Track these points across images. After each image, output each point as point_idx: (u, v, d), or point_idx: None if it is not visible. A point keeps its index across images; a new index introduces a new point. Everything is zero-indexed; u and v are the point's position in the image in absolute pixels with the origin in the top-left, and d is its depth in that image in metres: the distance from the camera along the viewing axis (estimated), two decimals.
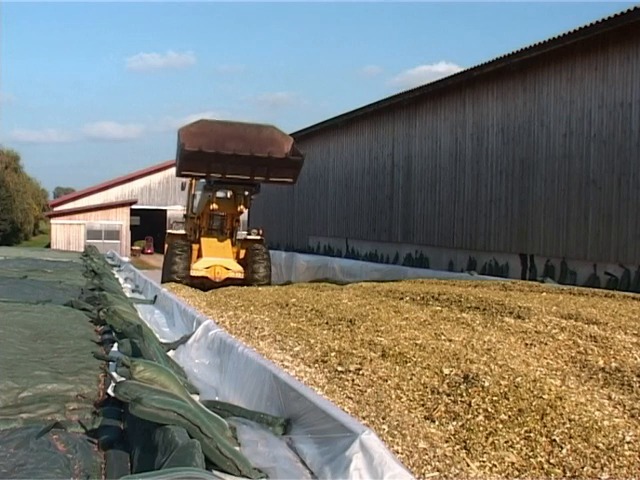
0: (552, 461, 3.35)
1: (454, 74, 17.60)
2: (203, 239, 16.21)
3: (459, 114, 17.36)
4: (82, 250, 24.28)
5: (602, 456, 3.35)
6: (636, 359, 5.16)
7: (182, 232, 16.92)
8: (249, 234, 17.06)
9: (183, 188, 19.51)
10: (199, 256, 15.90)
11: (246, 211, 15.75)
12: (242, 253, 16.25)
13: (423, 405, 4.13)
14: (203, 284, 15.07)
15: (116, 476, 2.52)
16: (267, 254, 16.06)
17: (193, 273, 15.19)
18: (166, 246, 16.55)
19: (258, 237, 16.70)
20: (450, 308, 7.78)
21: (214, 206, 15.36)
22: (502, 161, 15.81)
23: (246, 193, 15.46)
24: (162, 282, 15.10)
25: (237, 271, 15.61)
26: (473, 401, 4.00)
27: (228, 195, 16.04)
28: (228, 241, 16.30)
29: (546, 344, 5.69)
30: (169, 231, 17.41)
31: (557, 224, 14.01)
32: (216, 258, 15.61)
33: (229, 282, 14.95)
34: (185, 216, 18.22)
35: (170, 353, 5.27)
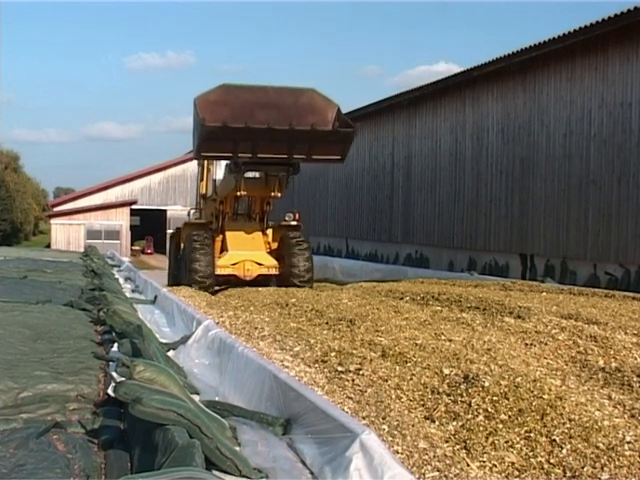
0: (552, 461, 3.35)
1: (454, 74, 17.62)
2: (228, 229, 13.18)
3: (459, 114, 17.37)
4: (82, 250, 24.28)
5: (602, 456, 3.35)
6: (636, 359, 5.16)
7: (202, 221, 13.71)
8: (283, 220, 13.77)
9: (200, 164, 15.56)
10: (222, 250, 12.95)
11: (279, 195, 12.62)
12: (275, 243, 13.18)
13: (423, 405, 4.13)
14: (229, 284, 12.65)
15: (116, 476, 2.52)
16: (308, 243, 12.82)
17: (217, 271, 12.29)
18: (183, 241, 13.41)
19: (294, 222, 13.47)
20: (450, 308, 7.78)
21: (242, 192, 12.41)
22: (502, 161, 15.81)
23: (282, 174, 12.42)
24: (170, 284, 12.99)
25: (271, 266, 12.64)
26: (473, 401, 4.00)
27: (258, 175, 13.12)
28: (258, 229, 13.22)
29: (546, 344, 5.69)
30: (186, 221, 14.08)
31: (557, 224, 14.01)
32: (245, 251, 12.67)
33: (261, 280, 12.55)
34: (203, 197, 14.72)
35: (170, 353, 5.27)
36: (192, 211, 14.32)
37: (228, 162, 12.59)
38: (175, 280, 13.58)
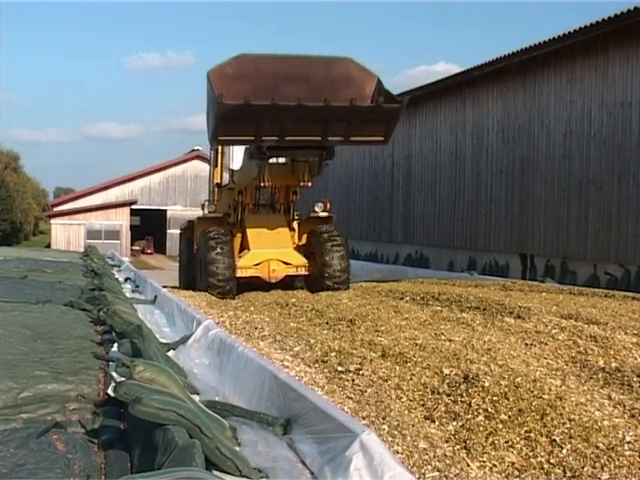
0: (552, 461, 3.35)
1: (454, 74, 17.62)
2: (248, 223, 11.30)
3: (459, 114, 17.37)
4: (82, 250, 24.28)
5: (602, 456, 3.35)
6: (636, 359, 5.17)
7: (219, 214, 11.95)
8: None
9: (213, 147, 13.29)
10: (243, 247, 11.22)
11: (310, 184, 10.78)
12: (304, 238, 11.46)
13: (423, 405, 4.13)
14: (251, 285, 11.04)
15: (116, 476, 2.52)
16: (342, 239, 10.98)
17: (238, 273, 10.65)
18: (196, 238, 11.81)
19: (325, 214, 11.71)
20: (450, 308, 7.79)
21: (266, 182, 10.55)
22: (502, 161, 15.82)
23: (313, 159, 10.48)
24: (182, 287, 12.06)
25: (300, 265, 10.97)
26: (473, 401, 4.00)
27: (283, 160, 11.33)
28: (284, 223, 11.40)
29: (546, 344, 5.69)
30: (200, 215, 12.46)
31: (557, 224, 14.01)
32: (269, 249, 10.93)
33: (288, 281, 11.08)
34: (218, 186, 12.78)
35: (170, 353, 5.26)
36: (206, 203, 12.40)
37: (249, 146, 10.64)
38: (188, 283, 12.24)
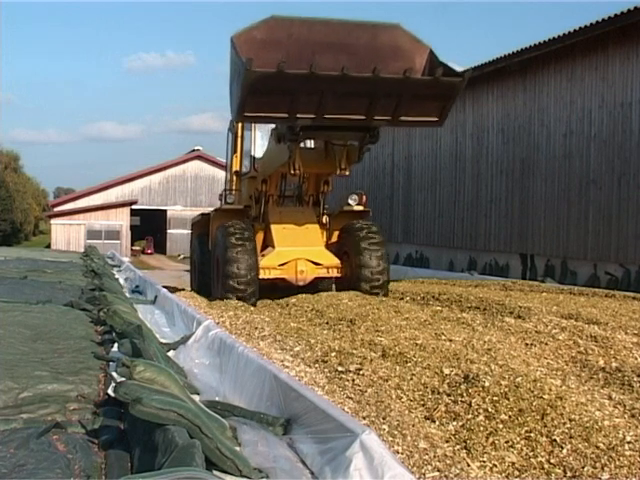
0: (552, 461, 3.35)
1: None
2: (273, 217, 9.89)
3: (459, 114, 17.36)
4: (82, 250, 24.28)
5: (602, 456, 3.35)
6: (636, 359, 5.17)
7: (239, 206, 10.47)
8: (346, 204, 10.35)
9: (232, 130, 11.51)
10: (266, 245, 9.86)
11: (347, 172, 9.15)
12: (335, 235, 10.07)
13: (423, 405, 4.13)
14: (276, 287, 9.68)
15: (116, 476, 2.52)
16: (381, 236, 9.64)
17: (261, 274, 9.27)
18: (212, 233, 10.42)
19: (361, 208, 10.40)
20: (450, 308, 7.79)
21: (297, 170, 8.87)
22: (502, 161, 15.82)
23: (351, 143, 8.98)
24: (195, 290, 11.15)
25: (332, 266, 9.58)
26: (473, 401, 4.00)
27: (312, 144, 9.87)
28: (313, 217, 10.01)
29: (546, 344, 5.69)
30: (218, 207, 10.85)
31: (557, 224, 14.02)
32: (297, 247, 9.55)
33: (317, 284, 9.81)
34: (237, 174, 11.27)
35: (170, 353, 5.26)
36: (226, 193, 10.81)
37: (276, 127, 9.27)
38: (201, 286, 11.10)
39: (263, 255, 9.59)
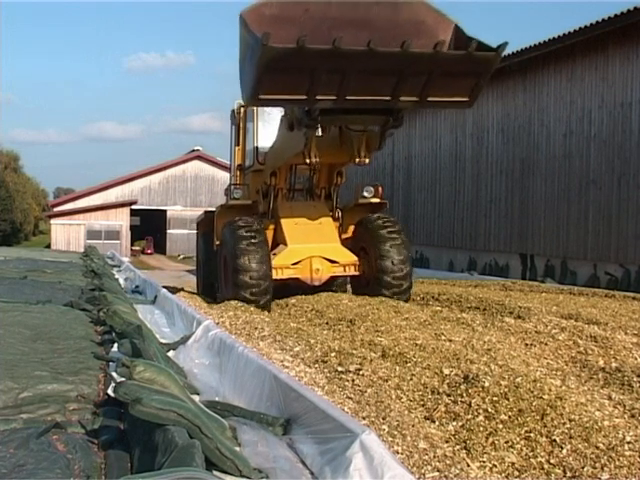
0: (552, 461, 3.35)
1: None
2: (283, 212, 9.23)
3: (459, 114, 17.37)
4: (82, 250, 24.28)
5: (602, 456, 3.35)
6: (636, 359, 5.17)
7: (247, 202, 9.73)
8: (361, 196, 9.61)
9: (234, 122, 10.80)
10: (276, 242, 9.17)
11: (367, 161, 8.18)
12: (349, 230, 9.44)
13: (423, 405, 4.13)
14: (288, 287, 8.95)
15: (116, 476, 2.52)
16: (401, 230, 9.06)
17: (274, 275, 8.58)
18: (218, 231, 9.61)
19: (377, 200, 9.65)
20: (450, 308, 7.79)
21: (313, 159, 8.06)
22: (502, 161, 15.83)
23: (372, 129, 8.14)
24: (201, 292, 10.81)
25: (348, 263, 8.90)
26: (473, 401, 4.00)
27: (319, 132, 8.63)
28: (327, 211, 9.37)
29: (546, 344, 5.69)
30: (224, 203, 10.04)
31: (557, 224, 14.02)
32: (310, 244, 8.87)
33: (332, 283, 9.23)
34: (240, 168, 10.69)
35: (170, 353, 5.26)
36: (232, 188, 10.00)
37: (286, 113, 8.59)
38: (208, 287, 10.67)
39: (274, 254, 8.83)
